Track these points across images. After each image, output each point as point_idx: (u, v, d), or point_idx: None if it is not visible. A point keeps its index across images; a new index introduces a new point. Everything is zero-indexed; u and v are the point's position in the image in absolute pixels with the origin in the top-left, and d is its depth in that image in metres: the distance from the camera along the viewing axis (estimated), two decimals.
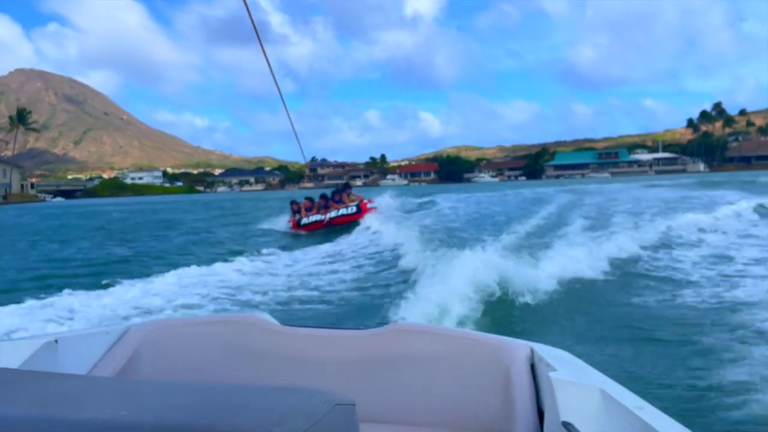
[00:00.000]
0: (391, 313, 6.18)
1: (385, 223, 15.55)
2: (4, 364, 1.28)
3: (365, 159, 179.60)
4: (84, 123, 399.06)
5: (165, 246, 15.91)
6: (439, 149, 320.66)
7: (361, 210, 18.49)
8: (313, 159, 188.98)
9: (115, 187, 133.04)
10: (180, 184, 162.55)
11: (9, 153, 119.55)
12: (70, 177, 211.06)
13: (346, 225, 17.48)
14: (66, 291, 8.03)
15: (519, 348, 1.76)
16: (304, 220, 18.37)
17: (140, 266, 11.45)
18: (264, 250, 12.97)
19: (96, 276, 10.06)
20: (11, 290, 9.00)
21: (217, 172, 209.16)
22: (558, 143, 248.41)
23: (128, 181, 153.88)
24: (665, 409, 1.28)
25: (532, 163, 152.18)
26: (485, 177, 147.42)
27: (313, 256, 12.22)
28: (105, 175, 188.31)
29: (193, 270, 9.84)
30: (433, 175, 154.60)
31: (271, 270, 10.25)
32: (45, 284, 9.34)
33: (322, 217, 18.25)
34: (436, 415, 1.78)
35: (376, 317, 6.26)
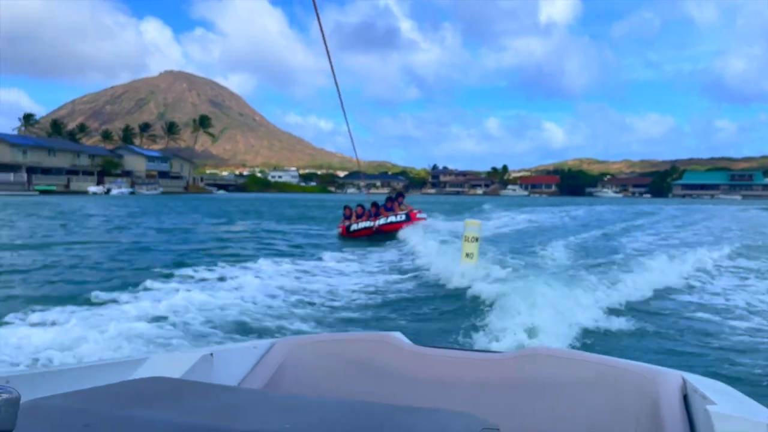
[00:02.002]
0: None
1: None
2: (165, 375, 1.40)
3: (481, 167, 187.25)
4: (221, 122, 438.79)
5: None
6: (560, 161, 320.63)
7: (410, 219, 19.12)
8: (434, 167, 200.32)
9: (261, 184, 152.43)
10: (313, 183, 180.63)
11: (157, 147, 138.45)
12: (208, 172, 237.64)
13: (395, 232, 18.04)
14: None
15: (669, 377, 1.67)
16: (354, 227, 18.75)
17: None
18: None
19: None
20: None
21: (342, 174, 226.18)
22: (691, 161, 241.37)
23: (270, 178, 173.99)
24: None
25: (658, 181, 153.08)
26: (608, 192, 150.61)
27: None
28: (237, 172, 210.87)
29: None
30: (554, 188, 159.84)
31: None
32: None
33: (372, 224, 18.63)
34: None
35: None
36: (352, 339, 2.05)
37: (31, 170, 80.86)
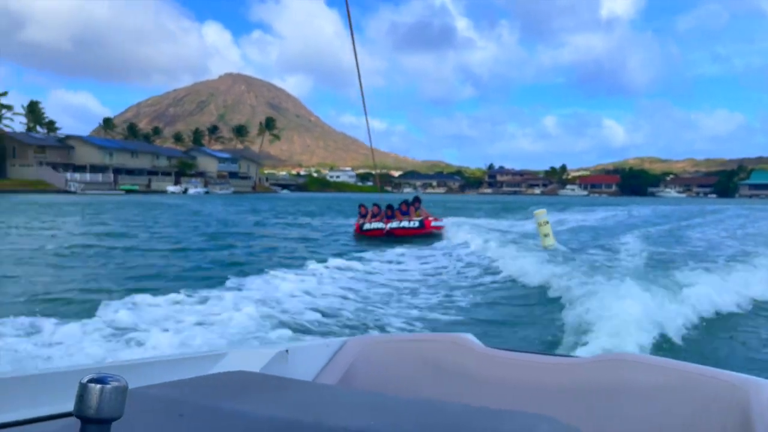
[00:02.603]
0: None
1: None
2: (244, 369, 1.46)
3: (538, 166, 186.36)
4: (279, 124, 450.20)
5: None
6: (621, 160, 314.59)
7: (423, 226, 18.98)
8: (491, 166, 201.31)
9: (320, 184, 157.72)
10: (370, 183, 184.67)
11: (217, 148, 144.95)
12: (266, 172, 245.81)
13: (406, 237, 18.12)
14: None
15: (762, 387, 1.57)
16: (366, 226, 19.02)
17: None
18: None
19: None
20: None
21: (396, 173, 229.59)
22: (760, 159, 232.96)
23: (329, 178, 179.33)
24: None
25: (725, 181, 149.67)
26: (671, 192, 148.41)
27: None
28: (294, 172, 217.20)
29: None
30: (614, 188, 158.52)
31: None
32: None
33: (383, 225, 18.76)
34: None
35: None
36: (424, 339, 2.09)
37: (116, 171, 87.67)
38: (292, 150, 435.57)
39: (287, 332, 5.77)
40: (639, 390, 1.69)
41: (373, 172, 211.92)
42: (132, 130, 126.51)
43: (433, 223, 19.49)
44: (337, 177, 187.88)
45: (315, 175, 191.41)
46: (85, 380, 0.69)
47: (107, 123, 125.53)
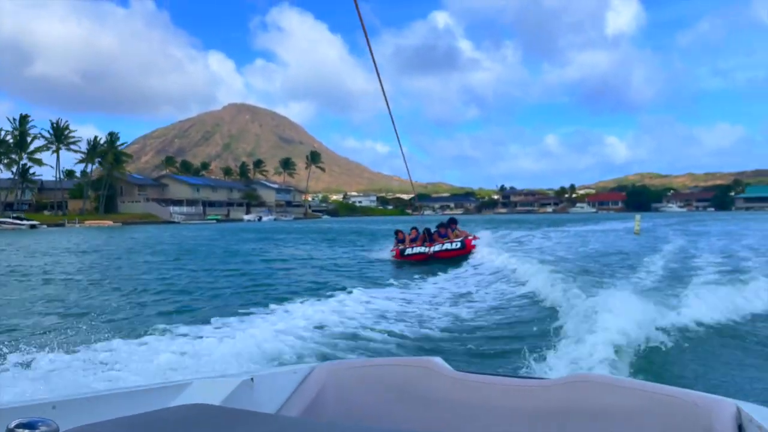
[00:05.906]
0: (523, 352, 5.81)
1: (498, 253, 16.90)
2: (204, 401, 1.42)
3: (541, 185, 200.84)
4: (282, 151, 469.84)
5: None
6: (622, 176, 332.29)
7: (465, 246, 19.13)
8: (502, 187, 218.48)
9: (349, 209, 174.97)
10: (390, 207, 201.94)
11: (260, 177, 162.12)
12: None
13: (449, 259, 18.28)
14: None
15: (723, 406, 1.63)
16: (408, 251, 19.25)
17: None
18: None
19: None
20: None
21: (405, 197, 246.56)
22: (758, 172, 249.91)
23: (356, 204, 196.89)
24: None
25: (721, 195, 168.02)
26: (673, 207, 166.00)
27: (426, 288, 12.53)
28: (303, 198, 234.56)
29: None
30: (620, 204, 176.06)
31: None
32: None
33: (426, 249, 19.06)
34: None
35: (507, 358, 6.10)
36: (392, 364, 2.08)
37: (203, 204, 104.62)
38: (298, 177, 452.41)
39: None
40: (606, 411, 1.75)
41: (384, 195, 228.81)
42: (185, 166, 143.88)
43: (473, 242, 19.88)
44: (360, 202, 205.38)
45: (320, 201, 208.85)
46: (12, 425, 0.66)
47: (168, 161, 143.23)
